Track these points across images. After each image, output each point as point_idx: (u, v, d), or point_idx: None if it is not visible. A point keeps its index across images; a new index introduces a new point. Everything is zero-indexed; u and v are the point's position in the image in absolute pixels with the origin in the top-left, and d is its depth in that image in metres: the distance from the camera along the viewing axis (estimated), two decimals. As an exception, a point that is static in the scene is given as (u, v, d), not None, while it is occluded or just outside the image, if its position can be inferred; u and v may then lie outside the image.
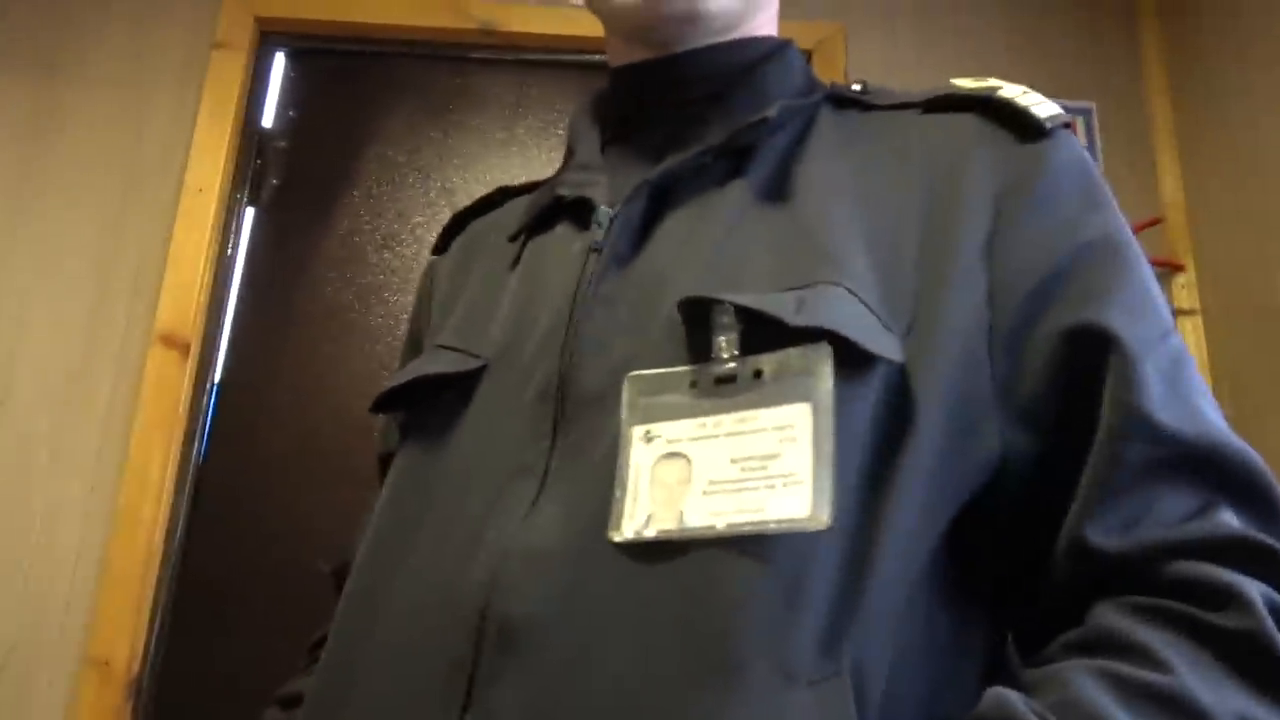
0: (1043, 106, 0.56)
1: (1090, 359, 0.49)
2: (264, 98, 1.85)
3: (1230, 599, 0.43)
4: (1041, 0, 1.98)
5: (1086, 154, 0.57)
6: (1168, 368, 0.49)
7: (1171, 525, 0.46)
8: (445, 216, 1.80)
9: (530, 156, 1.86)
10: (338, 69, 1.89)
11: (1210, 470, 0.48)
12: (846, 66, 1.87)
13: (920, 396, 0.48)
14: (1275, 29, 1.64)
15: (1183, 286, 1.80)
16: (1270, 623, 0.42)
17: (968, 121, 0.58)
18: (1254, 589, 0.43)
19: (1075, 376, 0.49)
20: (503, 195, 0.76)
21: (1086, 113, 1.86)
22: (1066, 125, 0.57)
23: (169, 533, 1.60)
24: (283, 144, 1.83)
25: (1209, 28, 1.81)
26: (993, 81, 0.59)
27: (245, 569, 1.60)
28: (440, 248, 0.77)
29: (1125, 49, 1.95)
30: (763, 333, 0.48)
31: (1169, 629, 0.43)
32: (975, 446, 0.49)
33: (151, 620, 1.56)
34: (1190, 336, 1.75)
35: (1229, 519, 0.46)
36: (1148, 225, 1.80)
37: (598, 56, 1.87)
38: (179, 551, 1.61)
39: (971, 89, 0.59)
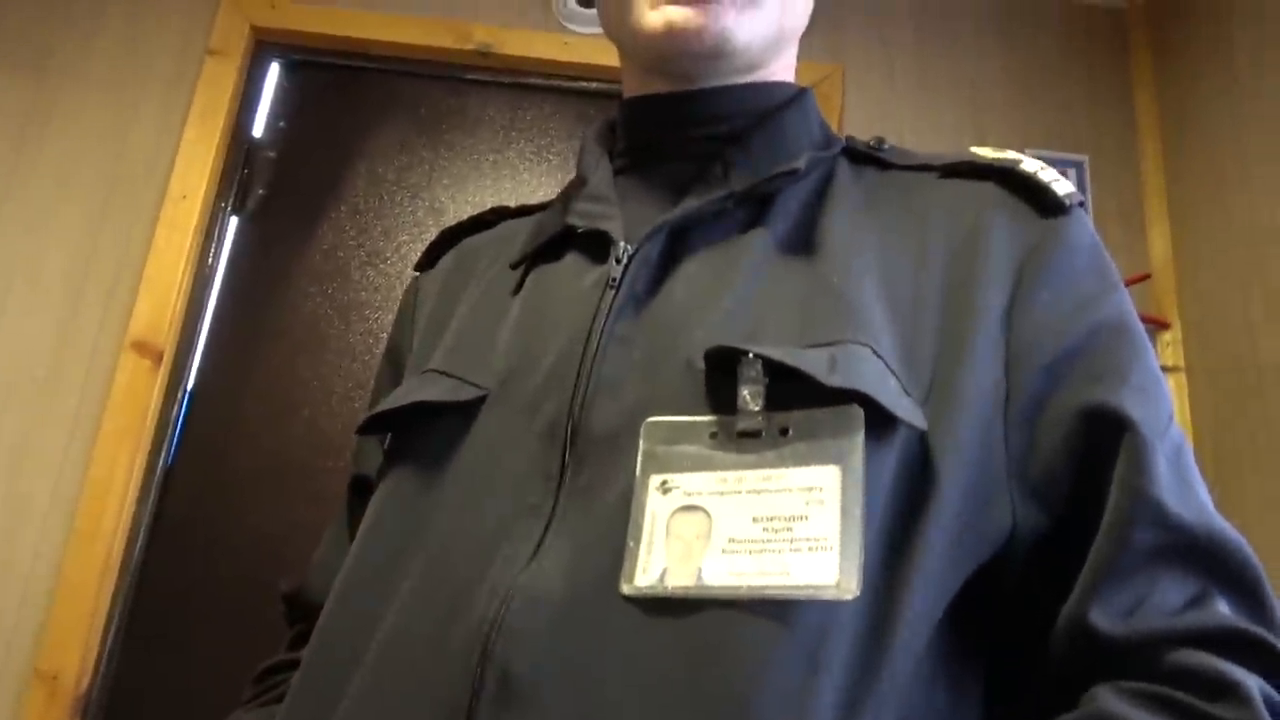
0: (1061, 184, 0.57)
1: (1103, 440, 0.49)
2: (255, 107, 1.84)
3: (1227, 690, 0.43)
4: (1039, 52, 1.99)
5: (1096, 234, 0.58)
6: (1172, 454, 0.49)
7: (1172, 613, 0.46)
8: (431, 236, 1.80)
9: (521, 180, 1.84)
10: (332, 82, 1.88)
11: (1209, 559, 0.48)
12: (843, 107, 1.88)
13: (939, 466, 0.48)
14: (1270, 91, 1.65)
15: (1168, 344, 1.80)
16: (1266, 716, 0.42)
17: (988, 190, 0.58)
18: (1251, 682, 0.43)
19: (1088, 456, 0.49)
20: (496, 216, 0.74)
21: (1079, 165, 1.87)
22: (1081, 204, 0.57)
23: (129, 543, 1.56)
24: (271, 154, 1.81)
25: (1204, 88, 1.83)
26: (1012, 154, 0.59)
27: (204, 584, 1.56)
28: (426, 264, 0.75)
29: (1120, 105, 1.96)
30: (791, 389, 0.46)
31: (1167, 716, 0.43)
32: (989, 518, 0.48)
33: (105, 633, 1.51)
34: (1174, 393, 1.75)
35: (1224, 609, 0.46)
36: (1137, 280, 1.80)
37: (594, 84, 1.87)
38: (138, 563, 1.57)
39: (992, 159, 0.59)
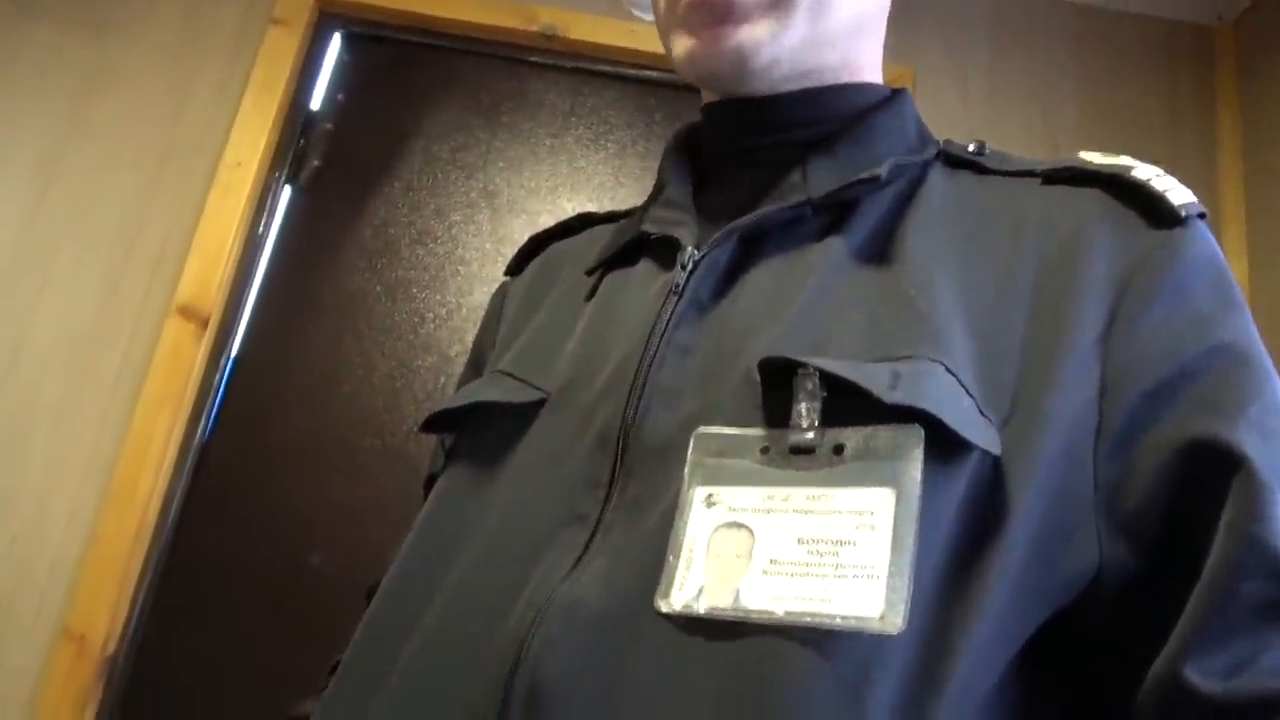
0: (1178, 193, 0.52)
1: (1212, 477, 0.44)
2: (315, 78, 1.82)
3: None
4: (1118, 67, 1.93)
5: (1220, 251, 0.52)
6: None
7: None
8: (484, 218, 1.79)
9: (577, 167, 1.81)
10: (393, 57, 1.86)
11: None
12: (912, 110, 1.83)
13: (1013, 495, 0.43)
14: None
15: (1238, 374, 1.73)
16: None
17: (1093, 197, 0.53)
18: None
19: (1191, 494, 0.44)
20: (582, 223, 0.73)
21: (1154, 183, 1.81)
22: (1202, 215, 0.52)
23: (163, 511, 1.55)
24: (328, 126, 1.80)
25: (1292, 111, 1.75)
26: (1125, 160, 0.54)
27: (237, 556, 1.55)
28: (515, 269, 0.74)
29: (1202, 123, 1.89)
30: (849, 405, 0.43)
31: None
32: (1068, 557, 0.44)
33: (134, 599, 1.50)
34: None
35: None
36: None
37: (657, 73, 1.84)
38: (171, 531, 1.56)
39: (1101, 164, 0.54)
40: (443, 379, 1.66)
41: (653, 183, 0.66)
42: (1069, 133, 1.86)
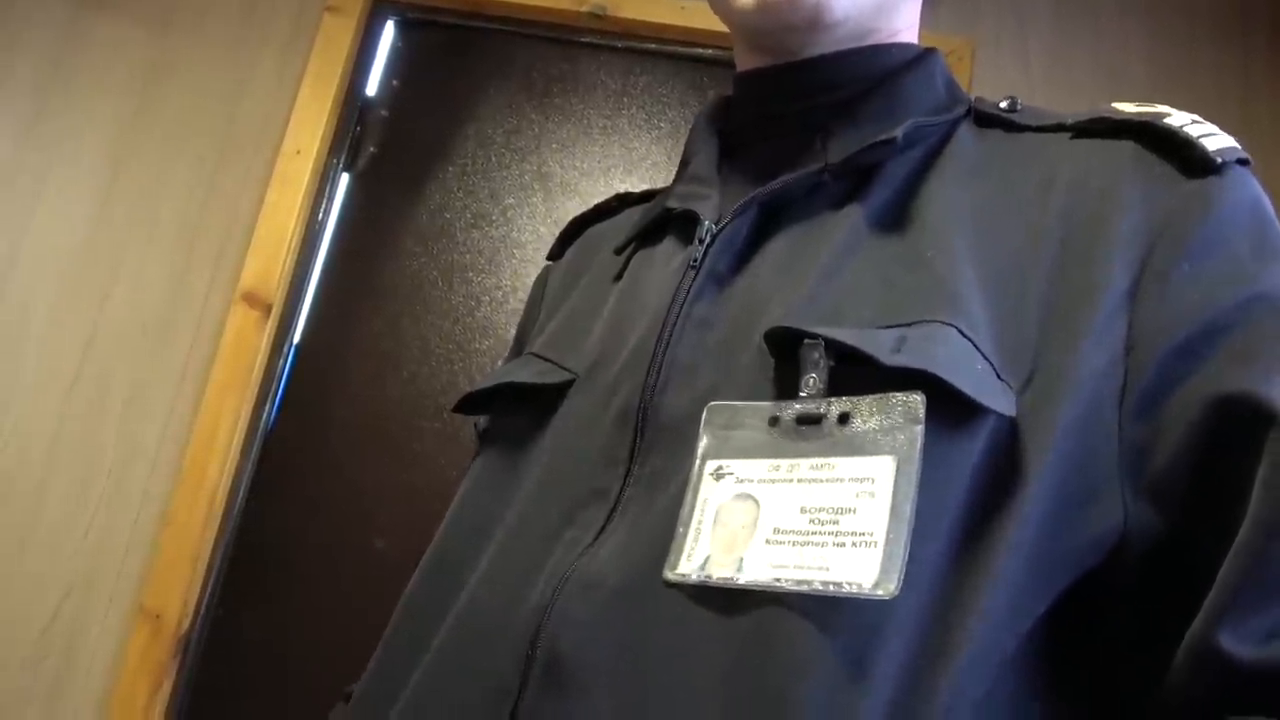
0: (1215, 139, 0.49)
1: (1245, 435, 0.41)
2: (370, 65, 1.84)
3: None
4: (1189, 39, 1.85)
5: (1265, 198, 0.49)
6: None
7: None
8: (538, 200, 1.80)
9: (631, 148, 1.80)
10: (446, 42, 1.86)
11: None
12: (970, 86, 1.78)
13: (1031, 459, 0.42)
14: None
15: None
16: None
17: (1124, 149, 0.50)
18: None
19: (1224, 452, 0.42)
20: (620, 203, 0.73)
21: (1226, 154, 1.75)
22: (1244, 162, 0.49)
23: (231, 493, 1.59)
24: (384, 113, 1.82)
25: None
26: (1160, 107, 0.52)
27: (301, 538, 1.59)
28: (556, 253, 0.74)
29: (1277, 96, 1.82)
30: (855, 373, 0.43)
31: None
32: (1090, 520, 0.42)
33: (206, 579, 1.55)
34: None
35: None
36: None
37: (710, 51, 1.82)
38: (239, 513, 1.61)
39: (1134, 113, 0.51)
40: (499, 362, 1.68)
41: None
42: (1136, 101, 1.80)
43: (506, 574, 0.49)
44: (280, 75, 1.79)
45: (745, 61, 0.62)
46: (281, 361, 1.68)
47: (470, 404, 0.61)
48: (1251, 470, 0.41)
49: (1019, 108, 0.57)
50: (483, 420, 0.64)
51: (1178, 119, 0.50)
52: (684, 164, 0.63)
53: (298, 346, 1.70)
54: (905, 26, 0.61)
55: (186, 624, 1.52)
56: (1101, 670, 0.45)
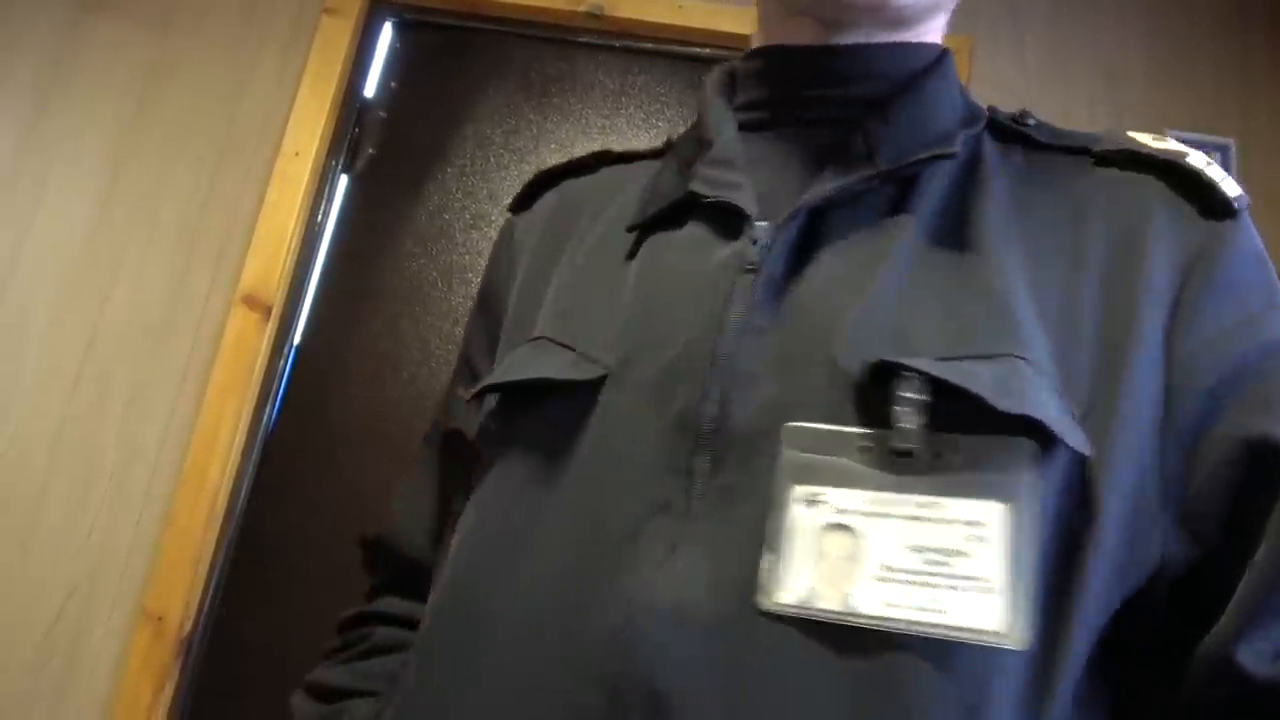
0: (1229, 183, 0.52)
1: (1265, 474, 0.45)
2: (368, 66, 1.84)
3: None
4: (1187, 28, 1.85)
5: (1262, 246, 0.53)
6: None
7: None
8: (536, 201, 1.79)
9: (629, 147, 1.80)
10: (443, 43, 1.87)
11: None
12: (970, 80, 1.78)
13: (1098, 493, 0.44)
14: None
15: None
16: None
17: (1150, 185, 0.52)
18: None
19: (1247, 488, 0.46)
20: (597, 161, 0.68)
21: (1224, 149, 1.74)
22: (1248, 207, 0.53)
23: (233, 494, 1.60)
24: (382, 114, 1.82)
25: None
26: (1175, 145, 0.54)
27: (302, 539, 1.59)
28: (521, 205, 0.69)
29: (1276, 95, 1.82)
30: (953, 409, 0.42)
31: None
32: (1143, 551, 0.45)
33: (208, 581, 1.56)
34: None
35: None
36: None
37: (707, 50, 1.82)
38: (241, 514, 1.61)
39: (1156, 149, 0.53)
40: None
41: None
42: (1135, 107, 1.79)
43: (565, 591, 0.46)
44: (279, 77, 1.79)
45: (775, 34, 0.60)
46: (282, 363, 1.68)
47: (502, 393, 0.56)
48: (1270, 505, 0.45)
49: (1031, 121, 0.58)
50: (476, 424, 0.59)
51: (1196, 160, 0.52)
52: (702, 141, 0.59)
53: (298, 348, 1.71)
54: (938, 25, 0.60)
55: (189, 625, 1.52)
56: (1125, 688, 0.47)
